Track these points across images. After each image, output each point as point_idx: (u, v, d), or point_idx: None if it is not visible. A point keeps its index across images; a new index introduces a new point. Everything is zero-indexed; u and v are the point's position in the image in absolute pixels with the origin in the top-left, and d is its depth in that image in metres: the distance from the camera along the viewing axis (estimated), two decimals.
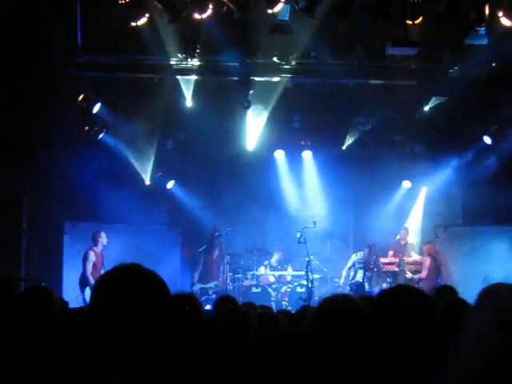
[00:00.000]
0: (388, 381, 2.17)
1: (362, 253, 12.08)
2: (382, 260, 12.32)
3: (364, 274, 11.81)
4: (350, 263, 12.17)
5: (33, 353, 2.98)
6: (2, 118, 10.18)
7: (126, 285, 1.92)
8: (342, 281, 12.12)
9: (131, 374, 1.82)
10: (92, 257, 11.14)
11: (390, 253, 12.74)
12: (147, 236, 12.75)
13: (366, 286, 11.76)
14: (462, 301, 3.75)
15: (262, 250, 12.72)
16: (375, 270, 11.87)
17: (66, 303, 6.17)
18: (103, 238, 11.33)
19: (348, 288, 11.83)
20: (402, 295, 2.35)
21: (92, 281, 10.81)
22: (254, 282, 12.27)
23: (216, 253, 12.35)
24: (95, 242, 11.33)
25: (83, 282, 11.10)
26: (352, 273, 12.07)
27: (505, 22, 9.11)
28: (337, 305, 2.51)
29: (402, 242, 12.90)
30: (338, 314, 2.44)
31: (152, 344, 1.86)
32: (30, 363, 2.81)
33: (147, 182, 12.62)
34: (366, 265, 11.85)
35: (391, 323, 2.23)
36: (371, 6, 8.89)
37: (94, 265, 11.13)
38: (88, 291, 10.85)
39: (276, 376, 2.77)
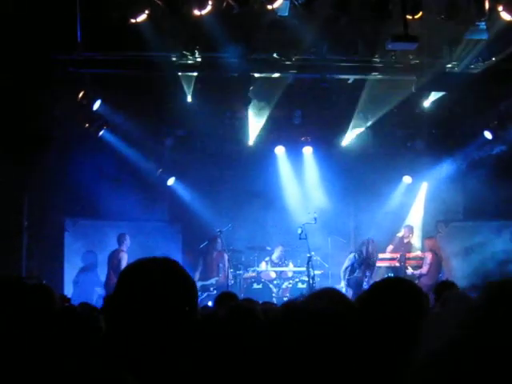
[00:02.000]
0: (377, 374, 2.17)
1: (359, 253, 11.89)
2: (382, 255, 12.28)
3: (363, 271, 11.70)
4: (347, 263, 11.92)
5: (33, 351, 2.99)
6: (2, 115, 10.17)
7: (157, 278, 1.88)
8: (342, 283, 11.86)
9: (140, 371, 1.81)
10: (125, 258, 11.37)
11: (389, 247, 12.72)
12: (148, 233, 12.72)
13: (365, 283, 11.61)
14: (463, 295, 3.77)
15: (262, 248, 12.74)
16: (375, 267, 11.78)
17: (69, 299, 6.21)
18: (128, 240, 11.70)
19: (346, 283, 11.75)
20: (392, 288, 2.35)
21: None
22: (255, 274, 12.34)
23: (216, 250, 12.36)
24: (121, 243, 11.63)
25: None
26: (350, 269, 11.91)
27: (505, 16, 9.10)
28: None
29: (405, 241, 12.84)
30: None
31: (168, 342, 1.83)
32: (30, 362, 2.81)
33: (148, 179, 12.60)
34: (365, 261, 11.72)
35: (381, 316, 2.23)
36: (371, 1, 8.89)
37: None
38: None
39: (277, 373, 2.77)
